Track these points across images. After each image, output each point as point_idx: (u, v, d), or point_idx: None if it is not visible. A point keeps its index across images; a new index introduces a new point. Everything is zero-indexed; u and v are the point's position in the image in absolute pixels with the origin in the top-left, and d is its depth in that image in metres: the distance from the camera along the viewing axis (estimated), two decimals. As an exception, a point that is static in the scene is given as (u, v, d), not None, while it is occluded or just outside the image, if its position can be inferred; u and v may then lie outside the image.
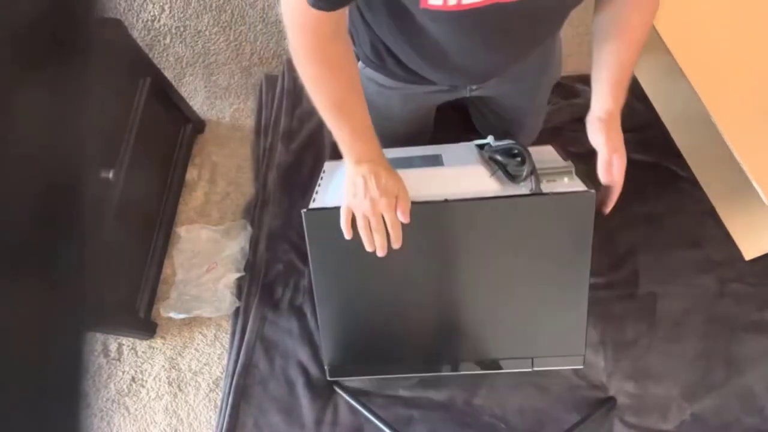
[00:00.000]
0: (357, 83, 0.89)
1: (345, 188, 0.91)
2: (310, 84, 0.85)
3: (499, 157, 0.98)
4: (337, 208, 0.91)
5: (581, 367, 0.97)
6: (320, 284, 0.96)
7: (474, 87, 1.10)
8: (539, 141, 1.38)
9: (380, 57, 1.02)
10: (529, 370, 0.97)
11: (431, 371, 0.98)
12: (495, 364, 0.98)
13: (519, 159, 0.97)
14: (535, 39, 0.95)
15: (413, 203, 0.91)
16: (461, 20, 0.79)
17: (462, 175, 0.97)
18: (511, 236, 0.95)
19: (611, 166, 0.90)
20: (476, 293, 0.96)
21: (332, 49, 0.83)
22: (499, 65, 1.00)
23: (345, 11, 0.82)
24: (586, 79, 1.04)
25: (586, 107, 0.94)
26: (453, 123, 1.48)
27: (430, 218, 0.96)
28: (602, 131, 0.89)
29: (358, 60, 1.09)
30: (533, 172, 0.95)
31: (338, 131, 0.88)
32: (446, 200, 0.95)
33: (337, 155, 0.97)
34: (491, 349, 0.98)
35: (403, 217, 0.89)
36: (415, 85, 1.07)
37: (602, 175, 0.90)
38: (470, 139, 1.08)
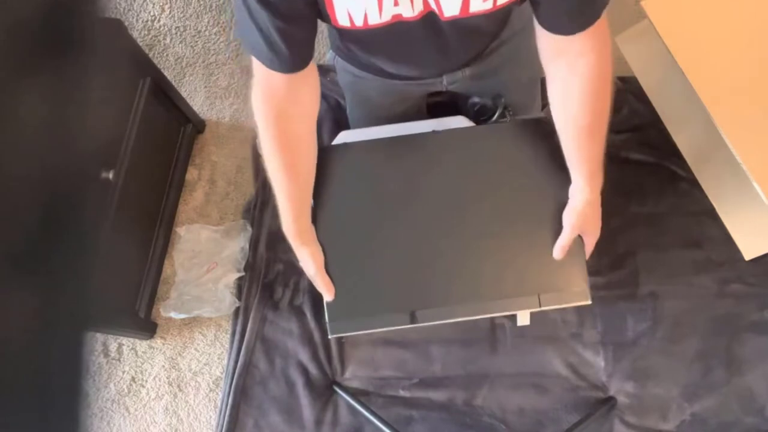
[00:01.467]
0: (303, 166, 0.92)
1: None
2: (262, 144, 0.89)
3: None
4: (337, 145, 1.00)
5: (589, 302, 0.95)
6: (323, 229, 0.97)
7: (446, 81, 1.10)
8: None
9: (349, 48, 1.02)
10: (537, 309, 0.95)
11: (435, 319, 0.95)
12: (502, 306, 0.96)
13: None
14: (466, 47, 0.96)
15: (404, 137, 0.99)
16: (374, 37, 0.82)
17: (448, 122, 1.04)
18: (497, 168, 0.99)
19: (564, 249, 0.92)
20: (473, 229, 0.97)
21: (286, 125, 0.87)
22: (445, 66, 1.03)
23: (305, 77, 0.84)
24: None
25: None
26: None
27: (421, 150, 1.00)
28: (573, 222, 0.91)
29: (329, 50, 1.11)
30: (506, 107, 1.07)
31: (276, 193, 0.92)
32: (434, 131, 1.00)
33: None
34: (496, 289, 0.96)
35: (327, 298, 0.95)
36: (387, 78, 1.07)
37: (557, 252, 0.93)
38: None
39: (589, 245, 0.95)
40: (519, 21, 1.01)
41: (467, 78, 1.08)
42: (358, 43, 0.93)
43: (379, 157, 1.01)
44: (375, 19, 0.77)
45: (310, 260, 0.93)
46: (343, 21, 0.77)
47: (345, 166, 0.99)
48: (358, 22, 0.77)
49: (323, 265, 0.95)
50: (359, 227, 0.98)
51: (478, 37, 0.96)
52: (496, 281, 0.96)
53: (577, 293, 0.96)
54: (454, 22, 0.79)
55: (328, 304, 0.96)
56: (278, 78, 0.83)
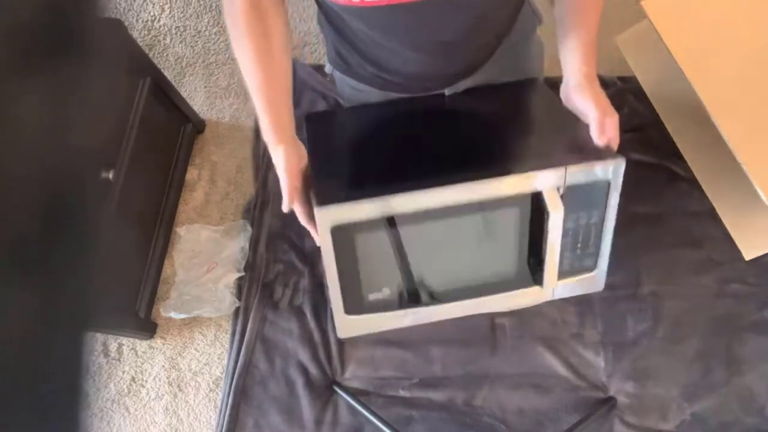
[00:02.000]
0: (279, 55, 0.85)
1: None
2: (237, 53, 0.84)
3: None
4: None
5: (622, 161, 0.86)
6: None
7: (447, 92, 1.08)
8: None
9: (343, 59, 1.00)
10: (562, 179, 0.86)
11: (437, 185, 0.87)
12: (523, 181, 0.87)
13: None
14: (468, 43, 0.93)
15: (416, 98, 0.99)
16: (369, 17, 0.79)
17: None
18: (505, 119, 0.99)
19: (604, 126, 0.86)
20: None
21: (255, 14, 0.81)
22: (440, 69, 0.99)
23: None
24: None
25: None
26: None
27: (427, 107, 1.01)
28: (588, 93, 0.86)
29: (327, 63, 1.09)
30: None
31: (254, 101, 0.86)
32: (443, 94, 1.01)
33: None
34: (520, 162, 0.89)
35: (283, 207, 0.87)
36: (386, 90, 1.05)
37: (597, 137, 0.86)
38: None
39: (614, 126, 0.87)
40: (522, 31, 1.00)
41: (467, 87, 1.07)
42: (355, 30, 0.88)
43: (386, 113, 1.00)
44: None
45: (282, 160, 0.84)
46: None
47: (346, 123, 0.98)
48: None
49: (297, 168, 0.85)
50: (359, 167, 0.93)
51: (485, 30, 0.93)
52: (520, 155, 0.92)
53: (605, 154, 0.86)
54: (453, 3, 0.75)
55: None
56: None
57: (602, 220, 0.91)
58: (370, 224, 0.87)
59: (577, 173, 0.84)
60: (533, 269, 0.94)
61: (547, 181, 0.84)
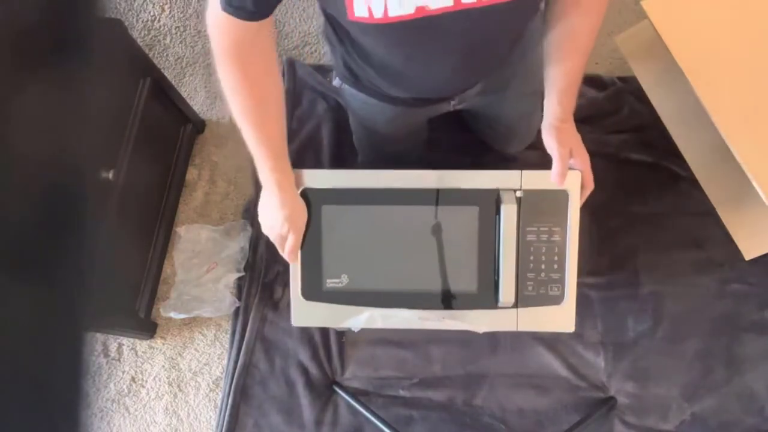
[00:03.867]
0: (272, 98, 0.89)
1: (259, 209, 0.95)
2: (225, 89, 0.86)
3: None
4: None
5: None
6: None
7: (454, 101, 1.09)
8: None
9: (353, 73, 1.00)
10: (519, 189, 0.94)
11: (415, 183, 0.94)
12: (483, 177, 0.94)
13: None
14: (486, 55, 0.93)
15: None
16: (391, 34, 0.77)
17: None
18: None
19: (563, 175, 0.90)
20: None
21: (249, 59, 0.84)
22: (458, 81, 0.99)
23: (265, 24, 0.81)
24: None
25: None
26: (449, 130, 1.47)
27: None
28: (553, 136, 0.90)
29: (336, 78, 1.09)
30: None
31: (249, 142, 0.89)
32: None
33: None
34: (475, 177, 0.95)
35: (288, 258, 0.95)
36: (392, 105, 1.05)
37: (554, 175, 0.90)
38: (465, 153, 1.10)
39: (585, 166, 0.93)
40: (531, 38, 1.00)
41: (474, 95, 1.07)
42: (371, 49, 0.87)
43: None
44: (396, 11, 0.71)
45: (292, 216, 0.91)
46: (360, 11, 0.71)
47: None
48: (378, 14, 0.71)
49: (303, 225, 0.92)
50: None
51: (504, 36, 0.92)
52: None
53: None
54: (484, 12, 0.73)
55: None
56: (246, 26, 0.79)
57: (564, 239, 0.93)
58: (337, 197, 0.95)
59: (533, 177, 0.92)
60: (494, 286, 0.95)
61: (503, 180, 0.93)
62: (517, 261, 0.93)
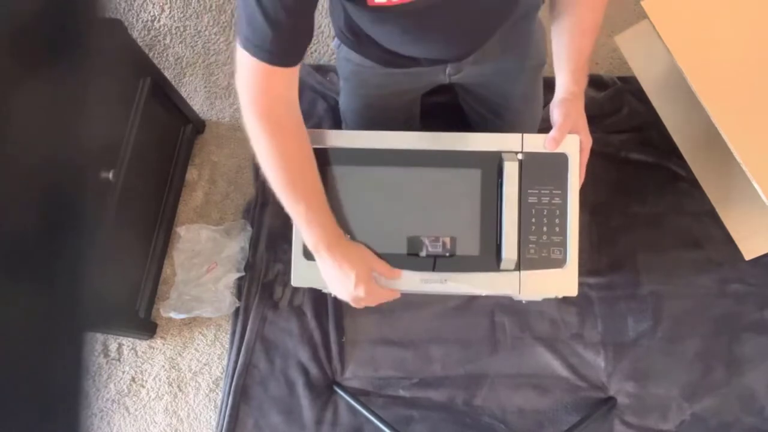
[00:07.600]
0: (310, 155, 0.89)
1: (326, 280, 0.94)
2: (261, 154, 0.85)
3: None
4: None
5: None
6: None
7: (449, 69, 1.09)
8: None
9: (355, 33, 1.00)
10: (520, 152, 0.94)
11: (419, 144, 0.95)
12: (486, 140, 0.95)
13: None
14: (486, 24, 0.96)
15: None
16: (403, 16, 0.80)
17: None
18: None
19: (555, 140, 0.90)
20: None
21: (284, 115, 0.84)
22: (455, 52, 1.01)
23: (296, 72, 0.81)
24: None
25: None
26: (442, 117, 1.46)
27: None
28: (559, 108, 0.90)
29: (334, 38, 1.09)
30: None
31: (292, 208, 0.89)
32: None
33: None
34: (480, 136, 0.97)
35: (392, 278, 0.92)
36: (391, 68, 1.06)
37: (547, 142, 0.90)
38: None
39: (584, 148, 0.93)
40: (525, 10, 1.01)
41: (470, 65, 1.07)
42: (381, 26, 0.90)
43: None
44: None
45: (360, 252, 0.91)
46: None
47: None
48: None
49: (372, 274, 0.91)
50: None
51: (503, 11, 0.95)
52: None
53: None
54: None
55: None
56: (278, 74, 0.79)
57: (564, 201, 0.93)
58: (339, 157, 0.95)
59: (534, 140, 0.93)
60: (497, 248, 0.95)
61: (505, 143, 0.94)
62: (519, 223, 0.93)
